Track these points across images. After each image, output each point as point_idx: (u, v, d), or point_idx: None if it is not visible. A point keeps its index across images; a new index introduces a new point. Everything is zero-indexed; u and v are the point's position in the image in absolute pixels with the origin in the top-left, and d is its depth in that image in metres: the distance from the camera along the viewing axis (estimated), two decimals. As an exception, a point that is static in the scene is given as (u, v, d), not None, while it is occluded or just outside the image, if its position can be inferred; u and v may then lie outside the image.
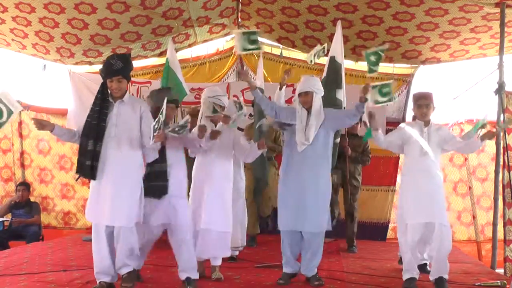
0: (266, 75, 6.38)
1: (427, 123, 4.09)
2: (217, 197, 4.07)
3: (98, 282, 3.72)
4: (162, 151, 3.77)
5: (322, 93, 4.20)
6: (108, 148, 3.61)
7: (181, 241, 3.84)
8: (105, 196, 3.60)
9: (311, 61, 4.85)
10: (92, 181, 3.69)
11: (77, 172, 3.69)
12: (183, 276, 3.84)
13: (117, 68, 3.63)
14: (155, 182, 3.77)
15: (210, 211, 4.01)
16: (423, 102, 4.08)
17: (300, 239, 4.12)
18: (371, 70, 4.21)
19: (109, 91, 3.71)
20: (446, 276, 3.98)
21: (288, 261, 4.14)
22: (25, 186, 6.79)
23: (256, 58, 7.30)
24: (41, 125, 3.62)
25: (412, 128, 4.13)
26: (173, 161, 3.85)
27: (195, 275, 3.85)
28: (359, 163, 5.93)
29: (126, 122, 3.65)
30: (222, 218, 4.07)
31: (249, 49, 4.24)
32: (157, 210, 3.80)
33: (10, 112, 3.56)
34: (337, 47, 5.38)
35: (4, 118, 3.55)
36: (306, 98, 4.10)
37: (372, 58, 4.16)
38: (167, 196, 3.80)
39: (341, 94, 5.20)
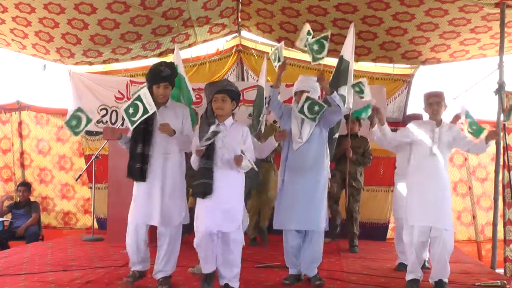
0: (266, 74, 6.37)
1: (439, 122, 4.05)
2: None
3: (131, 271, 3.88)
4: (212, 148, 3.53)
5: (318, 93, 4.22)
6: (154, 152, 3.74)
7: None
8: (151, 197, 3.72)
9: (305, 44, 4.71)
10: (138, 183, 3.80)
11: (128, 175, 3.77)
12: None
13: (165, 75, 3.74)
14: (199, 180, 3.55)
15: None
16: (434, 100, 4.04)
17: (299, 237, 4.12)
18: (315, 59, 4.20)
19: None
20: (446, 280, 3.97)
21: (292, 262, 4.13)
22: (25, 186, 6.79)
23: (256, 58, 7.32)
24: (112, 133, 3.79)
25: (423, 127, 4.08)
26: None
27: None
28: (360, 165, 5.92)
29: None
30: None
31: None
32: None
33: (145, 111, 3.63)
34: (348, 47, 5.34)
35: (138, 116, 3.64)
36: (301, 97, 4.11)
37: (315, 47, 4.14)
38: None
39: (345, 90, 5.18)
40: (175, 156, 3.81)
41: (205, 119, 3.63)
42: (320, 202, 4.08)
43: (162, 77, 3.74)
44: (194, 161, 3.60)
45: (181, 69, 5.89)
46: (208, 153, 3.52)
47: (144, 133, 3.73)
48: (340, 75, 5.18)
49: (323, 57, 4.21)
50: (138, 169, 3.71)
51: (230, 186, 3.56)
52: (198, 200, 3.60)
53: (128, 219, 3.83)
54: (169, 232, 3.81)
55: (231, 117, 3.68)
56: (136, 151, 3.73)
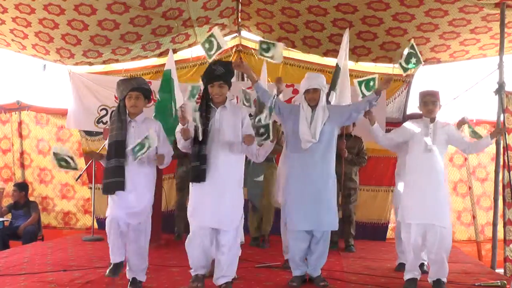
0: (266, 75, 6.37)
1: (433, 120, 4.09)
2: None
3: (194, 275, 3.75)
4: (123, 145, 3.67)
5: (327, 91, 4.25)
6: (211, 153, 3.67)
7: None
8: (210, 199, 3.64)
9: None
10: (194, 184, 3.72)
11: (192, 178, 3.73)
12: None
13: (219, 74, 3.69)
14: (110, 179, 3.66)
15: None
16: (430, 99, 4.07)
17: (308, 239, 4.09)
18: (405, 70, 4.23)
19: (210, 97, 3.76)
20: (444, 279, 3.97)
21: (297, 264, 4.10)
22: (17, 186, 6.77)
23: (257, 58, 7.30)
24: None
25: (418, 124, 4.13)
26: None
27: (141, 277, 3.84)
28: (355, 165, 5.92)
29: (228, 127, 3.71)
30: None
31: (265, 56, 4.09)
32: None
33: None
34: (341, 52, 5.38)
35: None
36: (314, 95, 4.09)
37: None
38: None
39: (333, 97, 5.19)
40: (234, 158, 3.74)
41: (117, 116, 3.72)
42: (331, 201, 4.07)
43: (216, 75, 3.69)
44: (185, 145, 3.68)
45: (173, 73, 5.89)
46: (120, 152, 3.63)
47: (203, 134, 3.66)
48: (334, 80, 5.20)
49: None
50: (204, 170, 3.64)
51: (140, 182, 3.67)
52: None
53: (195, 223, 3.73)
54: (225, 234, 3.71)
55: (142, 114, 3.79)
56: (195, 152, 3.68)
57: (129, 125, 3.73)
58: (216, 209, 3.62)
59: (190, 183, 3.75)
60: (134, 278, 3.78)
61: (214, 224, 3.65)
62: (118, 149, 3.66)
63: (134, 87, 3.72)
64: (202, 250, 3.69)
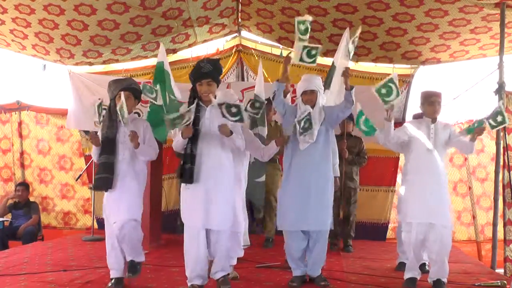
0: (266, 75, 6.38)
1: (434, 120, 4.10)
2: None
3: (190, 284, 3.67)
4: (113, 143, 3.75)
5: (323, 92, 4.25)
6: (202, 152, 3.64)
7: None
8: (202, 199, 3.60)
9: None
10: (185, 185, 3.69)
11: (179, 177, 3.71)
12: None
13: (207, 71, 3.65)
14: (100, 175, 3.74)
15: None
16: (436, 99, 4.09)
17: (305, 238, 4.10)
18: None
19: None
20: (444, 280, 3.98)
21: (297, 264, 4.10)
22: (24, 186, 6.79)
23: (256, 58, 7.31)
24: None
25: (419, 125, 4.14)
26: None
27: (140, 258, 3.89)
28: (355, 164, 5.92)
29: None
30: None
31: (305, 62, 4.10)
32: None
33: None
34: (339, 51, 5.37)
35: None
36: (311, 96, 4.12)
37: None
38: None
39: (327, 95, 5.18)
40: (226, 157, 3.70)
41: (108, 115, 3.79)
42: (329, 201, 4.09)
43: (204, 73, 3.65)
44: (178, 144, 3.69)
45: (166, 66, 5.89)
46: (110, 149, 3.72)
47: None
48: (327, 79, 5.18)
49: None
50: (188, 170, 3.60)
51: (132, 179, 3.75)
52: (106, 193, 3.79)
53: (187, 224, 3.70)
54: (221, 234, 3.69)
55: (132, 113, 3.86)
56: (185, 151, 3.65)
57: (118, 124, 3.77)
58: (208, 209, 3.60)
59: (183, 184, 3.74)
60: (132, 261, 3.80)
61: (208, 224, 3.62)
62: (108, 146, 3.72)
63: (124, 87, 3.76)
64: (197, 255, 3.63)
